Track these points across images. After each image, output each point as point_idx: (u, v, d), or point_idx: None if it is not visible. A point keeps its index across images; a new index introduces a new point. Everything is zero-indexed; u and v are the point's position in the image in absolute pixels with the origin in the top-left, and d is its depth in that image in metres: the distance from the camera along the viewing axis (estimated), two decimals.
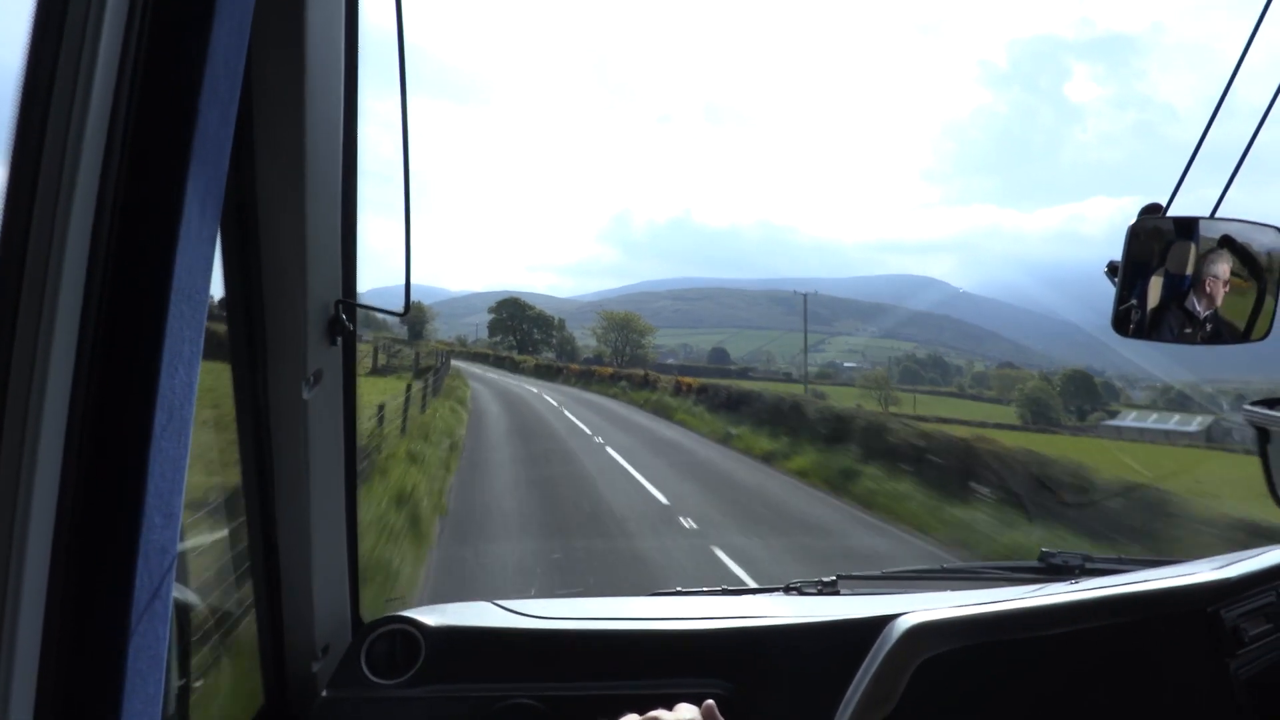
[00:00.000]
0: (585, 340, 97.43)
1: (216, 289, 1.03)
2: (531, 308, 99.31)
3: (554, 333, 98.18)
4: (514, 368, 55.39)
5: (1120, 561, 1.83)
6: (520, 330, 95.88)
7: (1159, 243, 1.27)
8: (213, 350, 1.01)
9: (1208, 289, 1.27)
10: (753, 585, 1.86)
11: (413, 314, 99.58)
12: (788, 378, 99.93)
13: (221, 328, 1.14)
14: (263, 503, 1.27)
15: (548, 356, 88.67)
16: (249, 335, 1.18)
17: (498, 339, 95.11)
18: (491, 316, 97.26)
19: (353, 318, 1.29)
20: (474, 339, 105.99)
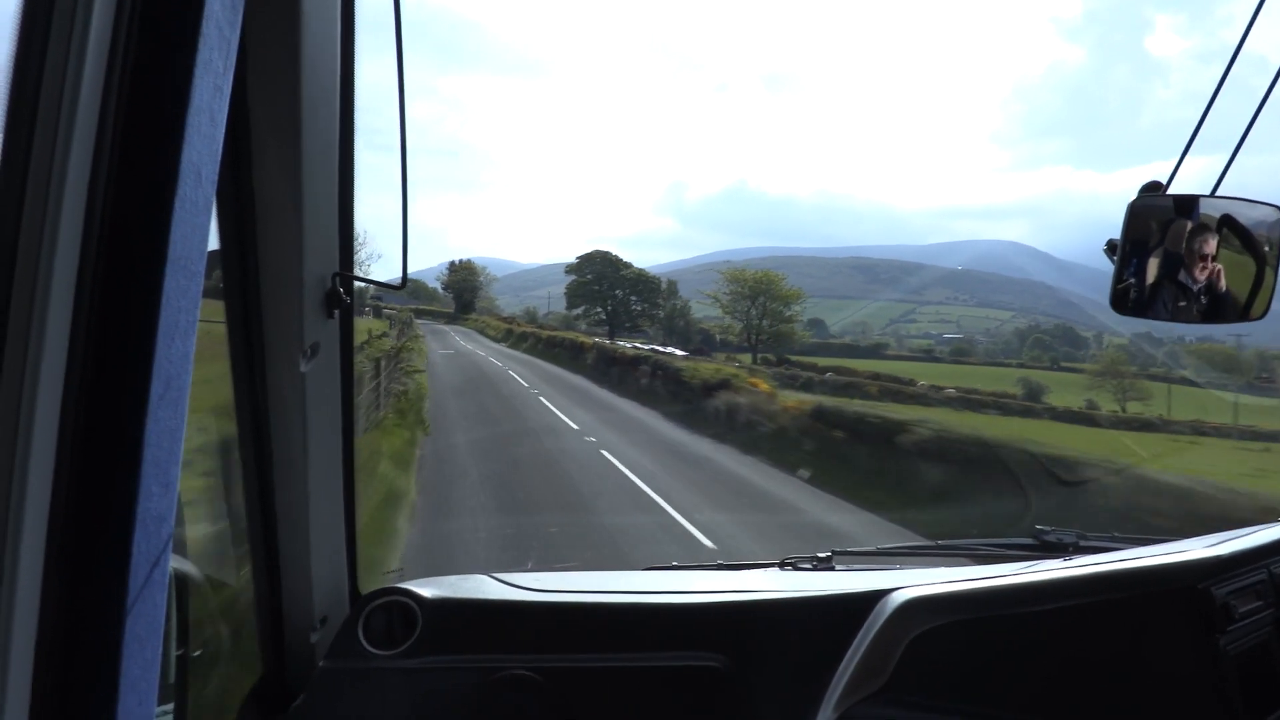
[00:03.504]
0: (701, 311, 70.49)
1: (213, 261, 1.08)
2: (627, 265, 70.67)
3: (660, 301, 70.15)
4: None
5: (1114, 539, 1.83)
6: (612, 298, 68.77)
7: (1159, 221, 1.27)
8: (210, 321, 1.03)
9: (1206, 267, 1.27)
10: (749, 561, 1.84)
11: (462, 276, 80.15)
12: (930, 355, 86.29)
13: (218, 300, 1.16)
14: (261, 474, 1.27)
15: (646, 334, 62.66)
16: (245, 307, 1.18)
17: (580, 310, 69.94)
18: (572, 279, 70.75)
19: (350, 291, 1.29)
20: (545, 312, 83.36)
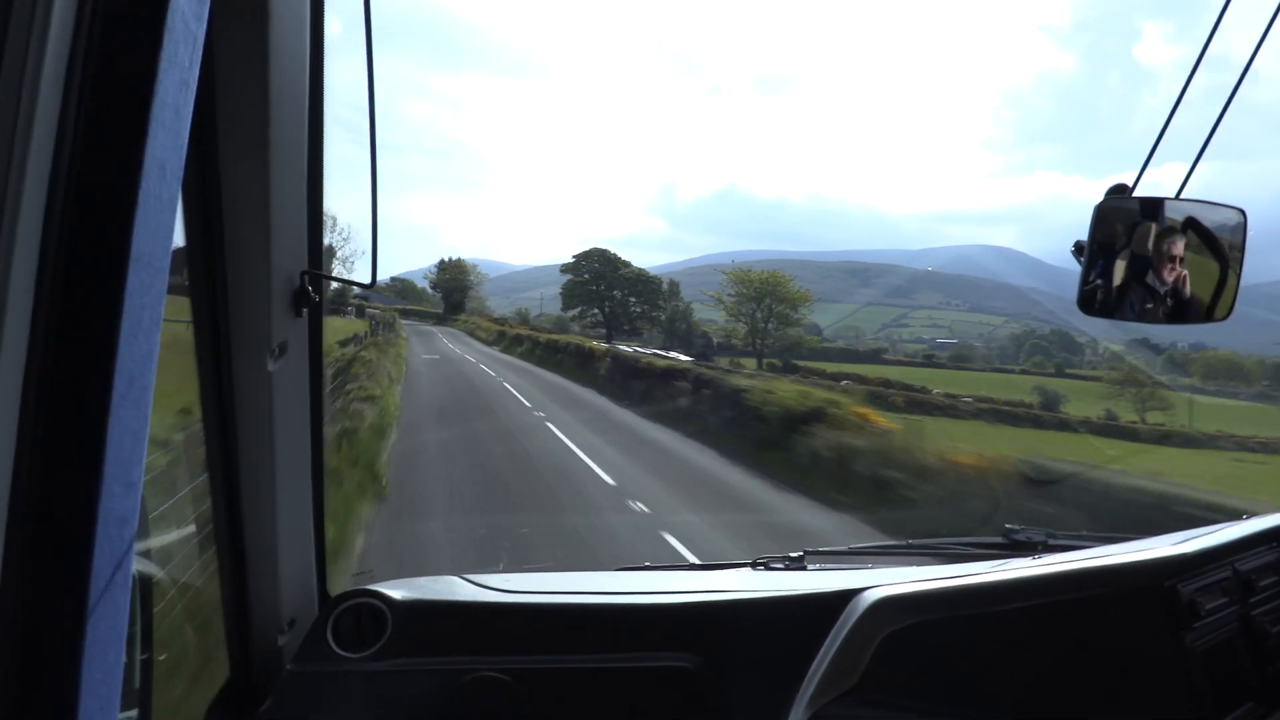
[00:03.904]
0: (701, 314, 65.88)
1: (179, 258, 1.07)
2: (626, 264, 65.44)
3: (662, 302, 64.94)
4: None
5: (1082, 537, 1.84)
6: (610, 299, 63.88)
7: (1125, 223, 1.29)
8: (176, 320, 1.03)
9: (1171, 269, 1.30)
10: (720, 561, 1.84)
11: (451, 275, 76.49)
12: (930, 361, 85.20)
13: (184, 297, 1.15)
14: (227, 475, 1.26)
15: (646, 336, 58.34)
16: (212, 306, 1.17)
17: (576, 311, 65.33)
18: (568, 278, 66.13)
19: (319, 289, 1.28)
20: (537, 314, 79.30)
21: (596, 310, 64.79)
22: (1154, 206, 1.28)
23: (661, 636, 1.45)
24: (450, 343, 44.45)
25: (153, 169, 0.67)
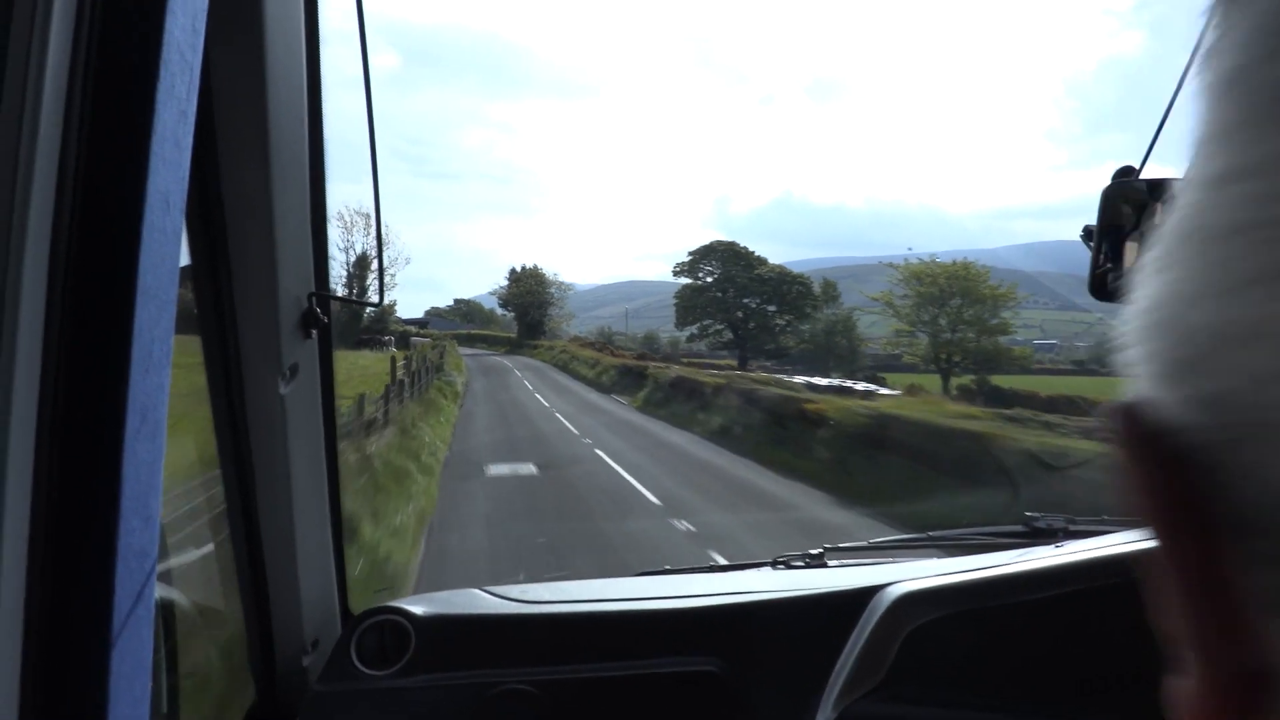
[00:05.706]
0: (866, 319, 50.52)
1: (186, 286, 1.10)
2: (763, 261, 48.32)
3: (812, 308, 47.43)
4: None
5: (1103, 523, 1.84)
6: (743, 308, 47.42)
7: (1133, 205, 1.28)
8: (186, 348, 1.06)
9: None
10: (740, 562, 1.85)
11: (527, 288, 65.66)
12: (1083, 368, 71.97)
13: (194, 326, 1.17)
14: (244, 499, 1.27)
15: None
16: (221, 332, 1.18)
17: (692, 330, 49.44)
18: (686, 283, 49.38)
19: (327, 310, 1.30)
20: (619, 332, 70.98)
21: (724, 324, 49.16)
22: (1161, 187, 1.26)
23: (684, 640, 1.45)
24: (542, 393, 26.27)
25: (156, 203, 0.67)
